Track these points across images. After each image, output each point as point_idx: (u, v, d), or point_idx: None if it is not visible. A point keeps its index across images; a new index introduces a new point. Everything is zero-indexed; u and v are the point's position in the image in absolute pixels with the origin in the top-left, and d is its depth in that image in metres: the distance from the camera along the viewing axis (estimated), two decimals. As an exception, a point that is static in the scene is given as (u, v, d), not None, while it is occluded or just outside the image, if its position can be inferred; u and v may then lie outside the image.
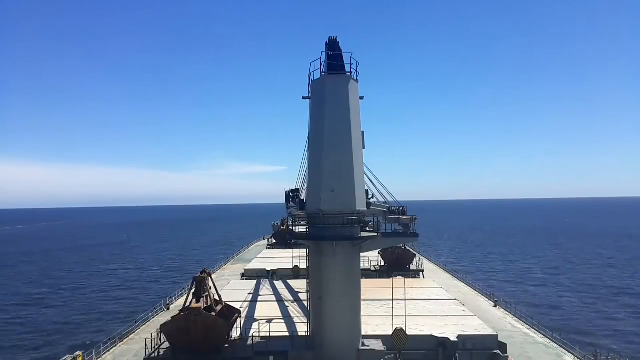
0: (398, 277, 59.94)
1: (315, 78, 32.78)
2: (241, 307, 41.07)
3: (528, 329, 47.41)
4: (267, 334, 35.25)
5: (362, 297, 33.71)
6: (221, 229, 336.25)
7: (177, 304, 56.94)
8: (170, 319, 32.39)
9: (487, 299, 61.69)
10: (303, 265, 48.34)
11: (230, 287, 56.78)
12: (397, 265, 69.34)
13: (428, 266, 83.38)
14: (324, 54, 32.12)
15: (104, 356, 41.26)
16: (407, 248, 74.70)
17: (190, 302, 31.82)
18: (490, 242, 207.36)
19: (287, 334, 36.54)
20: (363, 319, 34.33)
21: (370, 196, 37.01)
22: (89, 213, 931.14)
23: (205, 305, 31.77)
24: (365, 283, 40.91)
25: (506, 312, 54.41)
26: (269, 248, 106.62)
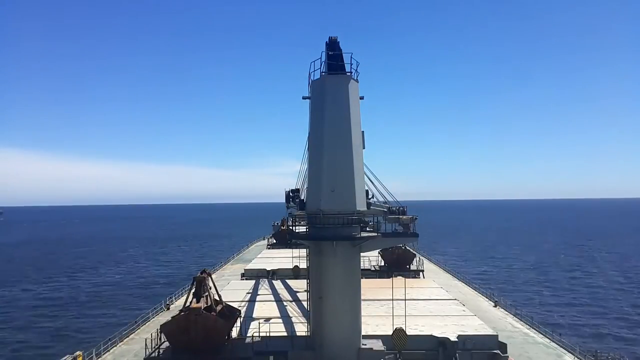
0: (398, 277, 59.86)
1: (315, 78, 32.77)
2: (241, 307, 41.05)
3: (528, 329, 47.36)
4: (267, 334, 35.24)
5: (362, 297, 33.68)
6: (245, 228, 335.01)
7: (177, 304, 56.92)
8: (170, 319, 32.32)
9: (487, 299, 61.63)
10: (303, 265, 48.30)
11: (230, 287, 56.74)
12: (397, 265, 69.32)
13: (428, 266, 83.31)
14: (324, 54, 32.10)
15: (104, 356, 41.21)
16: (407, 248, 74.66)
17: (190, 302, 31.75)
18: (489, 242, 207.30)
19: (286, 333, 36.55)
20: (363, 319, 34.28)
21: (370, 196, 37.00)
22: (138, 210, 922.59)
23: (205, 305, 31.70)
24: (365, 283, 40.88)
25: (506, 312, 54.35)
26: (269, 248, 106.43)
